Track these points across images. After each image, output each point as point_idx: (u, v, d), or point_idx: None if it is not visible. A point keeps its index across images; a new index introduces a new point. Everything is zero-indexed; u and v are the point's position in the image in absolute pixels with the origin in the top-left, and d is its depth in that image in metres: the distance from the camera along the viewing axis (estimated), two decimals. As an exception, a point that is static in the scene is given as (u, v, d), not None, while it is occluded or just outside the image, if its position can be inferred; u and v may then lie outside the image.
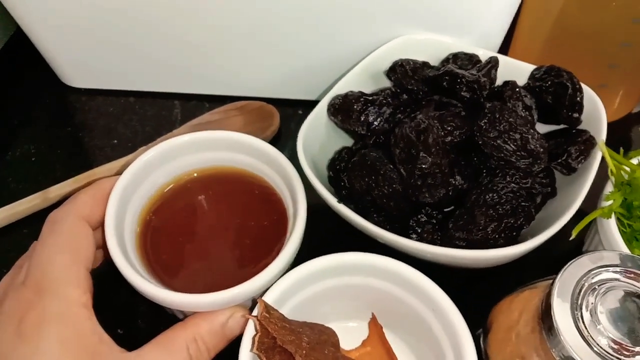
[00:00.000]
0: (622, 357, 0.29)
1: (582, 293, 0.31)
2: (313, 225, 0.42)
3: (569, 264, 0.32)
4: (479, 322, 0.38)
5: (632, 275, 0.32)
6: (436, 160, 0.37)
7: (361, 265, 0.38)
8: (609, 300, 0.31)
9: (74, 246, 0.35)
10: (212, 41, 0.53)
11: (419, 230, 0.39)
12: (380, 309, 0.41)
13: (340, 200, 0.39)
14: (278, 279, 0.37)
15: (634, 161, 0.41)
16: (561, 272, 0.32)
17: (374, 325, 0.41)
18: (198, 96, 0.59)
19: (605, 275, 0.32)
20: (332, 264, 0.38)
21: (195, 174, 0.44)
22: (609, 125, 0.42)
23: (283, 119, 0.55)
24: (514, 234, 0.37)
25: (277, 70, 0.55)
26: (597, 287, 0.32)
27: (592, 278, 0.32)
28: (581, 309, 0.31)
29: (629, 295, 0.31)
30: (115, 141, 0.56)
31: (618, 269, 0.32)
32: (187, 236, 0.42)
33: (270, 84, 0.56)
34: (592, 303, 0.31)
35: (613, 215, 0.39)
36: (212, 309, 0.36)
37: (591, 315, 0.31)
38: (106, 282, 0.37)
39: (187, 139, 0.43)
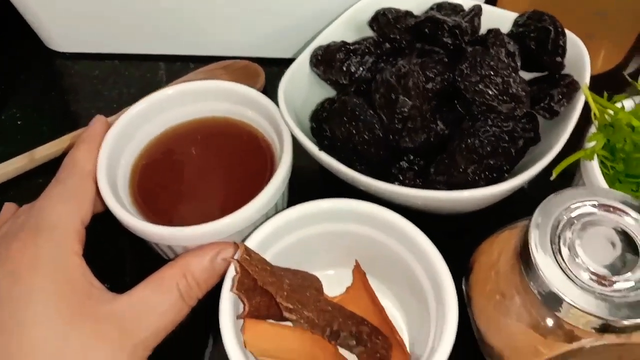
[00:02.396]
0: (601, 288, 0.29)
1: (559, 228, 0.31)
2: (298, 177, 0.43)
3: (546, 199, 0.32)
4: (463, 270, 0.38)
5: (608, 208, 0.32)
6: (416, 104, 0.37)
7: (343, 211, 0.38)
8: (586, 234, 0.31)
9: (76, 199, 0.36)
10: (195, 1, 0.52)
11: (401, 177, 0.39)
12: (363, 255, 0.41)
13: (321, 149, 0.39)
14: (260, 225, 0.37)
15: (618, 105, 0.41)
16: (538, 208, 0.32)
17: (358, 272, 0.41)
18: (183, 57, 0.58)
19: (582, 210, 0.32)
20: (314, 210, 0.38)
21: (185, 123, 0.46)
22: (597, 76, 0.42)
23: (268, 78, 0.55)
24: (494, 175, 0.37)
25: (262, 29, 0.55)
26: (575, 221, 0.32)
27: (569, 213, 0.32)
28: (559, 243, 0.31)
29: (606, 227, 0.31)
30: (101, 104, 0.56)
31: (594, 203, 0.32)
32: (177, 179, 0.43)
33: (255, 43, 0.56)
34: (569, 237, 0.31)
35: (596, 157, 0.39)
36: (195, 242, 0.36)
37: (569, 249, 0.31)
38: (98, 239, 0.38)
39: (178, 90, 0.45)
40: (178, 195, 0.43)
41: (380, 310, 0.39)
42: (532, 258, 0.30)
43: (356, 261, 0.41)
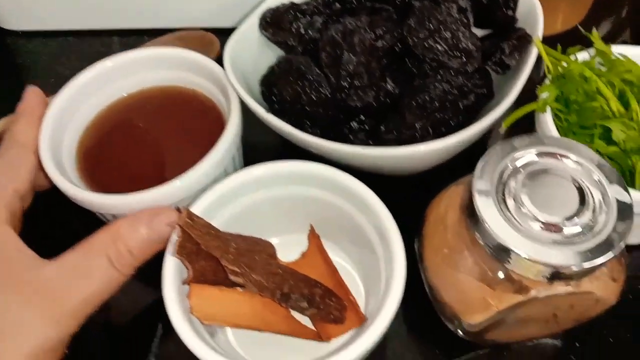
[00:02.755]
0: (549, 235, 0.29)
1: (504, 178, 0.30)
2: (257, 144, 0.42)
3: (488, 150, 0.31)
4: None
5: (551, 155, 0.31)
6: (361, 60, 0.36)
7: (293, 174, 0.37)
8: (532, 183, 0.30)
9: (10, 169, 0.36)
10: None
11: (352, 138, 0.38)
12: (317, 219, 0.40)
13: (269, 111, 0.38)
14: (208, 190, 0.36)
15: (572, 58, 0.40)
16: (481, 160, 0.31)
17: (313, 236, 0.40)
18: (137, 31, 0.57)
19: (526, 159, 0.31)
20: (264, 173, 0.37)
21: (135, 93, 0.45)
22: (556, 36, 0.41)
23: (224, 47, 0.54)
24: (443, 129, 0.36)
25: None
26: (521, 170, 0.31)
27: (513, 163, 0.31)
28: (504, 194, 0.30)
29: (551, 175, 0.30)
30: (53, 80, 0.54)
31: (537, 151, 0.31)
32: (126, 150, 0.42)
33: (210, 13, 0.55)
34: (514, 187, 0.30)
35: (549, 110, 0.38)
36: (129, 211, 0.35)
37: (514, 199, 0.30)
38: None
39: (125, 59, 0.44)
40: (126, 165, 0.42)
41: (334, 272, 0.39)
42: (477, 210, 0.30)
43: (311, 226, 0.41)
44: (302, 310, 0.36)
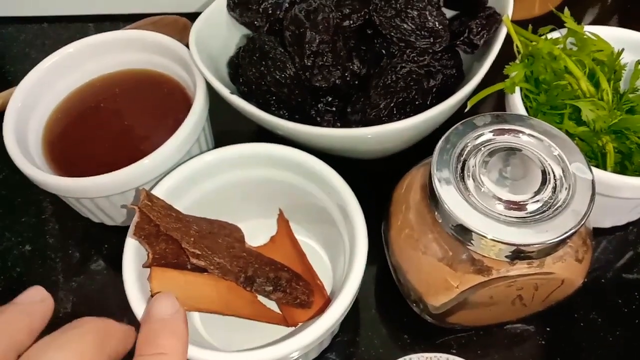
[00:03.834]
0: (509, 213, 0.28)
1: (462, 158, 0.30)
2: (225, 129, 0.42)
3: (448, 132, 0.30)
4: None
5: (505, 132, 0.30)
6: (324, 38, 0.35)
7: (257, 155, 0.37)
8: (491, 161, 0.30)
9: None
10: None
11: (319, 119, 0.38)
12: (286, 203, 0.40)
13: (233, 93, 0.38)
14: (170, 172, 0.36)
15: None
16: (441, 140, 0.30)
17: (281, 220, 0.40)
18: (112, 16, 0.57)
19: (484, 137, 0.30)
20: (229, 154, 0.37)
21: (103, 76, 0.44)
22: (533, 20, 0.40)
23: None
24: (407, 109, 0.36)
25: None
26: (482, 148, 0.30)
27: (473, 142, 0.30)
28: (464, 173, 0.30)
29: (509, 152, 0.30)
30: (28, 66, 0.53)
31: (496, 128, 0.30)
32: (92, 135, 0.42)
33: (183, -3, 0.54)
34: (472, 167, 0.30)
35: (519, 90, 0.38)
36: (99, 194, 0.36)
37: (474, 179, 0.29)
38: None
39: (91, 42, 0.43)
40: (94, 149, 0.41)
41: (302, 256, 0.38)
42: (435, 190, 0.29)
43: (280, 210, 0.40)
44: (267, 294, 0.35)
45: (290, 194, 0.38)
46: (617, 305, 0.39)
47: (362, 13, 0.38)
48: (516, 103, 0.37)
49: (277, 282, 0.35)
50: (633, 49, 0.41)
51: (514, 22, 0.39)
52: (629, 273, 0.41)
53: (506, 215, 0.28)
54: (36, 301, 0.26)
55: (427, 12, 0.37)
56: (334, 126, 0.38)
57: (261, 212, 0.40)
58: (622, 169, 0.38)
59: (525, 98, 0.38)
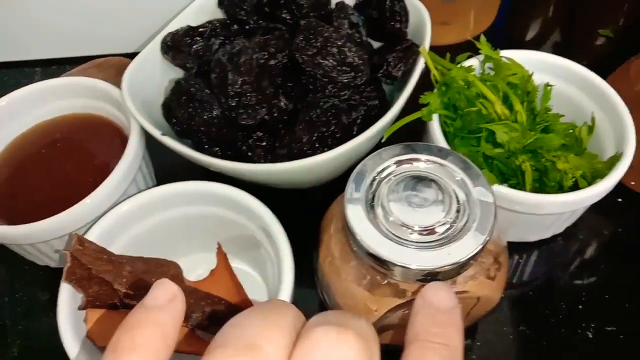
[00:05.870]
0: (419, 238, 0.30)
1: (373, 188, 0.31)
2: (165, 166, 0.43)
3: (361, 163, 0.32)
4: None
5: (404, 162, 0.32)
6: (247, 79, 0.37)
7: (189, 193, 0.38)
8: (399, 190, 0.31)
9: None
10: (58, 2, 0.52)
11: (250, 154, 0.40)
12: (223, 236, 0.41)
13: (166, 133, 0.39)
14: (106, 213, 0.37)
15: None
16: (354, 172, 0.32)
17: (220, 254, 0.41)
18: (58, 60, 0.58)
19: (390, 169, 0.32)
20: (161, 194, 0.38)
21: (45, 122, 0.46)
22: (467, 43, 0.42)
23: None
24: (329, 142, 0.37)
25: (132, 25, 0.55)
26: (392, 178, 0.32)
27: (382, 172, 0.32)
28: (373, 203, 0.31)
29: (415, 180, 0.32)
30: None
31: (402, 158, 0.32)
32: (35, 181, 0.43)
33: (127, 39, 0.56)
34: (382, 196, 0.31)
35: (437, 118, 0.40)
36: (39, 239, 0.37)
37: (383, 208, 0.31)
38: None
39: (27, 91, 0.45)
40: (37, 195, 0.42)
41: (239, 289, 0.40)
42: (347, 220, 0.31)
43: (218, 244, 0.41)
44: (205, 328, 0.37)
45: (224, 227, 0.40)
46: (545, 316, 0.40)
47: (287, 52, 0.40)
48: (435, 129, 0.39)
49: (214, 316, 0.36)
50: (545, 70, 0.43)
51: (448, 46, 0.41)
52: (557, 283, 0.42)
53: (413, 241, 0.30)
54: (162, 305, 0.25)
55: (347, 49, 0.39)
56: (265, 160, 0.40)
57: (201, 246, 0.42)
58: (541, 185, 0.40)
59: (444, 124, 0.40)
